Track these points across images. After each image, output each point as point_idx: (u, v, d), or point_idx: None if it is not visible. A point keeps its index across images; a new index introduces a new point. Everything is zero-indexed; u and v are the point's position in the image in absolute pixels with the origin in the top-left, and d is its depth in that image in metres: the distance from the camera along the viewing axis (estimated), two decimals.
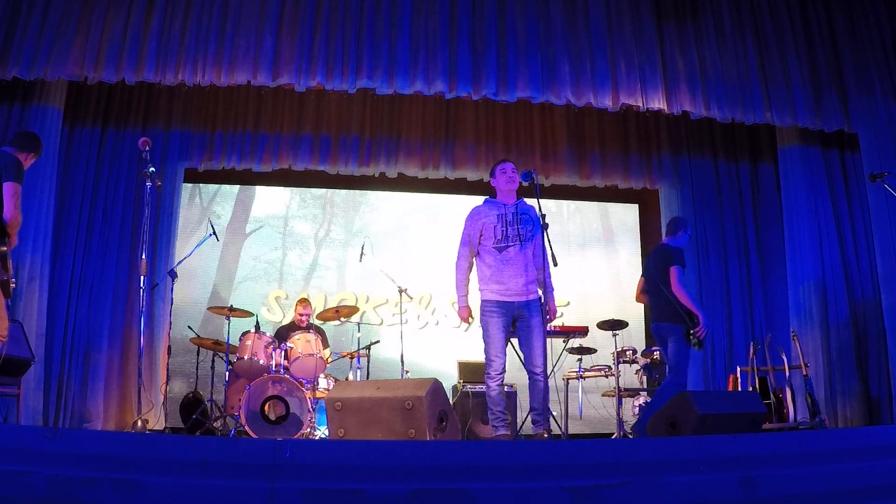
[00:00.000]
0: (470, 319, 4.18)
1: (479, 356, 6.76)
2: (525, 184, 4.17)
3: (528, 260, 4.08)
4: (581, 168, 7.22)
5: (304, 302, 6.18)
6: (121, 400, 6.03)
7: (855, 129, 6.13)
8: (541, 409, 3.97)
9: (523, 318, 4.07)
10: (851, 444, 2.76)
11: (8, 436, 2.33)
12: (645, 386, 6.06)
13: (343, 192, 7.49)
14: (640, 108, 5.90)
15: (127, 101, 6.53)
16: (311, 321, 6.13)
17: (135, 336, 6.03)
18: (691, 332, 4.72)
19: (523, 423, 5.69)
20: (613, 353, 5.82)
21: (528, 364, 4.08)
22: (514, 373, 4.94)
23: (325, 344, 6.06)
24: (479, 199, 7.44)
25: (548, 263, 4.07)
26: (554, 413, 5.61)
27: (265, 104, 6.86)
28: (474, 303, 4.18)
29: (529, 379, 4.07)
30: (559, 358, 5.95)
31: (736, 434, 3.44)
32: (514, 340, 4.24)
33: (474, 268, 4.25)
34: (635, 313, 7.51)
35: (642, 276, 5.32)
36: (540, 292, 4.16)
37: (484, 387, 4.12)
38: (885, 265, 6.00)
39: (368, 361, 5.96)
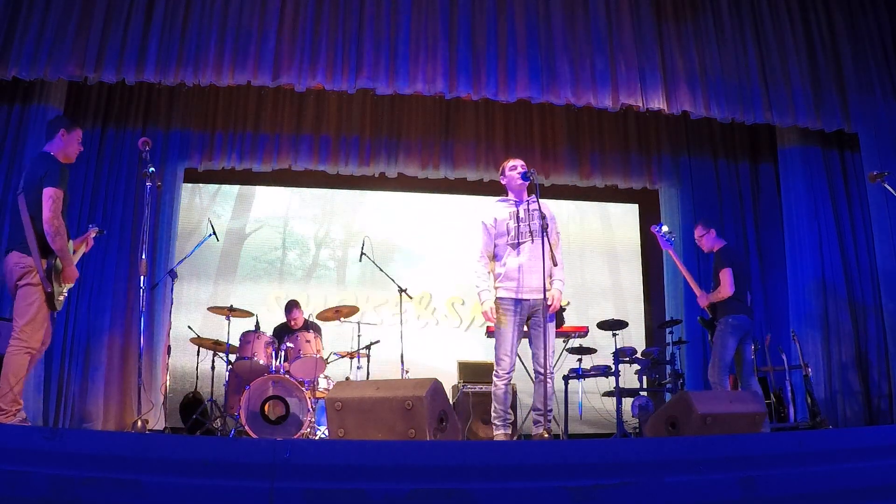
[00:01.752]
0: (494, 317, 4.09)
1: (478, 356, 6.82)
2: (525, 183, 4.20)
3: (542, 256, 4.01)
4: (581, 168, 7.22)
5: (292, 305, 6.13)
6: (121, 400, 6.03)
7: (855, 129, 6.13)
8: (543, 410, 3.97)
9: (537, 317, 4.07)
10: (851, 444, 2.75)
11: (8, 436, 2.33)
12: (645, 386, 6.05)
13: (343, 192, 7.49)
14: (640, 108, 5.89)
15: (127, 101, 6.54)
16: (310, 320, 6.13)
17: (135, 336, 6.03)
18: None
19: (523, 422, 5.69)
20: (613, 353, 5.81)
21: (535, 363, 4.08)
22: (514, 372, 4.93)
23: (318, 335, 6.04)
24: (478, 199, 7.51)
25: (557, 258, 4.12)
26: (553, 413, 5.61)
27: (265, 104, 6.87)
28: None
29: (535, 379, 4.08)
30: (559, 358, 5.95)
31: (736, 434, 3.44)
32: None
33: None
34: (635, 313, 7.51)
35: (733, 270, 5.22)
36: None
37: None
38: (885, 265, 6.00)
39: (368, 361, 5.96)
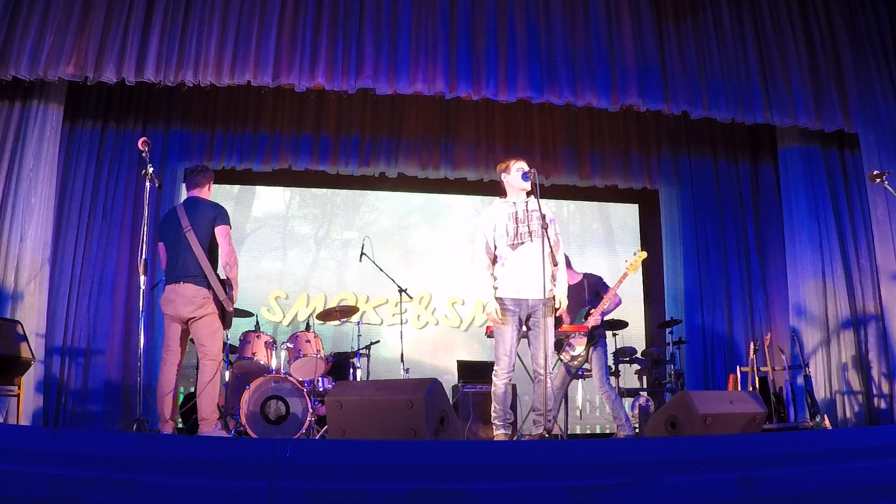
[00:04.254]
0: (500, 318, 4.06)
1: (478, 356, 6.82)
2: (526, 184, 4.20)
3: (542, 257, 3.99)
4: (581, 168, 7.22)
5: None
6: (121, 400, 6.03)
7: (855, 128, 6.13)
8: (542, 410, 3.97)
9: (536, 317, 4.08)
10: (851, 444, 2.75)
11: (8, 436, 2.33)
12: (645, 386, 6.06)
13: (343, 192, 7.50)
14: (640, 108, 5.90)
15: (127, 101, 6.54)
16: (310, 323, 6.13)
17: (135, 336, 6.03)
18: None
19: (523, 422, 5.69)
20: (613, 353, 5.81)
21: (534, 363, 4.09)
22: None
23: None
24: (478, 199, 7.52)
25: (558, 259, 4.12)
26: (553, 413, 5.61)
27: (265, 104, 6.87)
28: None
29: (535, 380, 4.08)
30: (559, 358, 5.95)
31: (736, 434, 3.44)
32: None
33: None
34: (635, 313, 7.51)
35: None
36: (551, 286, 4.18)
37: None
38: (885, 265, 6.00)
39: (368, 361, 5.96)
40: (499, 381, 4.05)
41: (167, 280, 4.25)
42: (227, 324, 4.28)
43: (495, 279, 4.16)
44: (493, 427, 4.07)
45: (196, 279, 4.14)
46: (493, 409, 4.09)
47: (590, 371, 5.99)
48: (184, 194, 6.82)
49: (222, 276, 4.28)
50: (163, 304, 4.26)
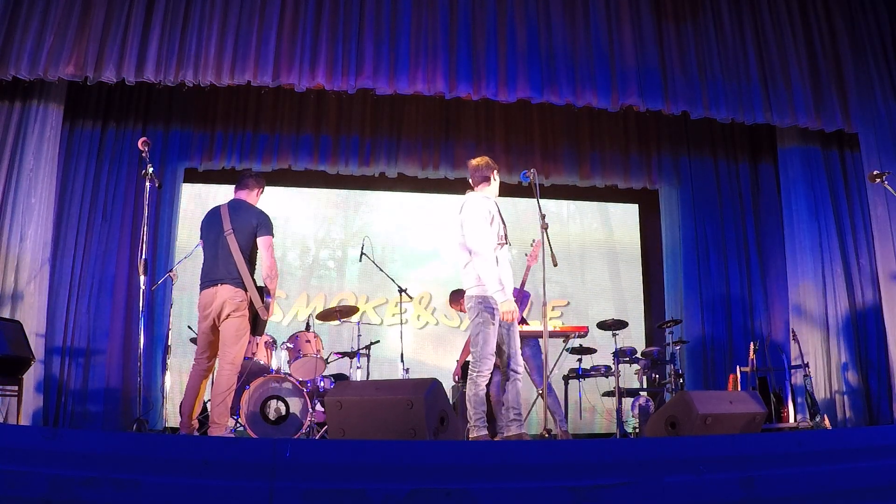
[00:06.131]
0: (515, 317, 4.00)
1: None
2: (525, 183, 4.20)
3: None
4: (581, 168, 7.22)
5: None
6: (121, 400, 6.03)
7: (855, 129, 6.13)
8: (520, 409, 3.99)
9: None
10: (851, 444, 2.75)
11: (8, 436, 2.33)
12: (645, 386, 6.06)
13: (343, 192, 7.49)
14: (640, 108, 5.90)
15: (127, 101, 6.54)
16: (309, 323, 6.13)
17: (135, 336, 6.03)
18: None
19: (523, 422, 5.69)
20: (613, 353, 5.81)
21: (512, 363, 4.08)
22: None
23: None
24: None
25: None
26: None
27: (265, 104, 6.87)
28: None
29: (509, 379, 4.07)
30: (559, 358, 5.95)
31: (736, 434, 3.45)
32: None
33: (469, 265, 4.10)
34: (635, 313, 7.51)
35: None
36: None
37: (472, 386, 4.04)
38: (885, 265, 6.00)
39: (368, 361, 5.96)
40: (483, 382, 4.00)
41: (203, 284, 4.20)
42: (259, 331, 4.24)
43: None
44: (475, 428, 3.96)
45: (235, 281, 4.12)
46: (473, 411, 3.98)
47: (591, 371, 6.00)
48: (184, 194, 6.89)
49: (259, 283, 4.23)
50: (199, 309, 4.21)
